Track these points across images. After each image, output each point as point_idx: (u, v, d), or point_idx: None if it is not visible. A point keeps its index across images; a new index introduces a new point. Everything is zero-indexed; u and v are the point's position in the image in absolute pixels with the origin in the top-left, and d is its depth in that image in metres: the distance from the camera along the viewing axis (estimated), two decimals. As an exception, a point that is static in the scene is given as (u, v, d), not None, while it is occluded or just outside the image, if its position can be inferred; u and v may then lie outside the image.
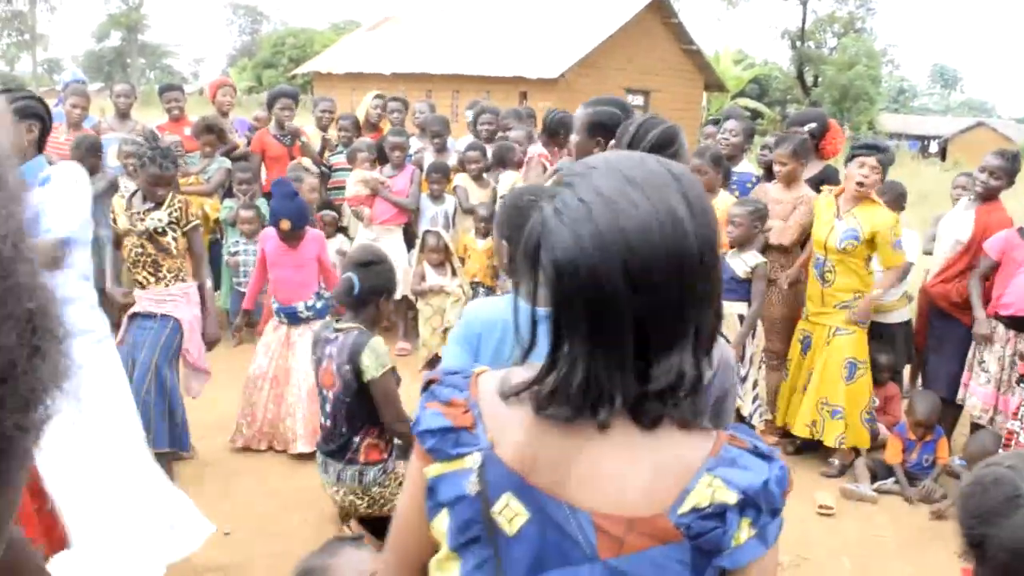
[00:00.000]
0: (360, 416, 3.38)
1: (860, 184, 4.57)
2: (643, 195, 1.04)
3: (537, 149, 5.88)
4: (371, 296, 3.46)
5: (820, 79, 39.53)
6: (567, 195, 1.06)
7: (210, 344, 4.39)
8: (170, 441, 4.17)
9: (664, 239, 1.02)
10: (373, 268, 3.48)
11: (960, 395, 4.94)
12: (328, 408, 3.46)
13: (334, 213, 6.84)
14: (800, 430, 4.89)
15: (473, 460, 1.09)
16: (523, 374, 1.12)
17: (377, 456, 3.42)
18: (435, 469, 1.13)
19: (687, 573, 1.03)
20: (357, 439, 3.40)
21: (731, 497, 1.02)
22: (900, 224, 4.66)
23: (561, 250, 1.03)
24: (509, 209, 2.30)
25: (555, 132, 5.85)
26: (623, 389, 1.03)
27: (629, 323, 1.02)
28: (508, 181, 6.31)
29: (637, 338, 1.03)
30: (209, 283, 4.45)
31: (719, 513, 1.02)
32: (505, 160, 6.57)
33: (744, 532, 1.03)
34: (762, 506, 1.03)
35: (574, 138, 3.35)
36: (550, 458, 1.07)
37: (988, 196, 4.96)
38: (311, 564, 1.95)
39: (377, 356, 3.32)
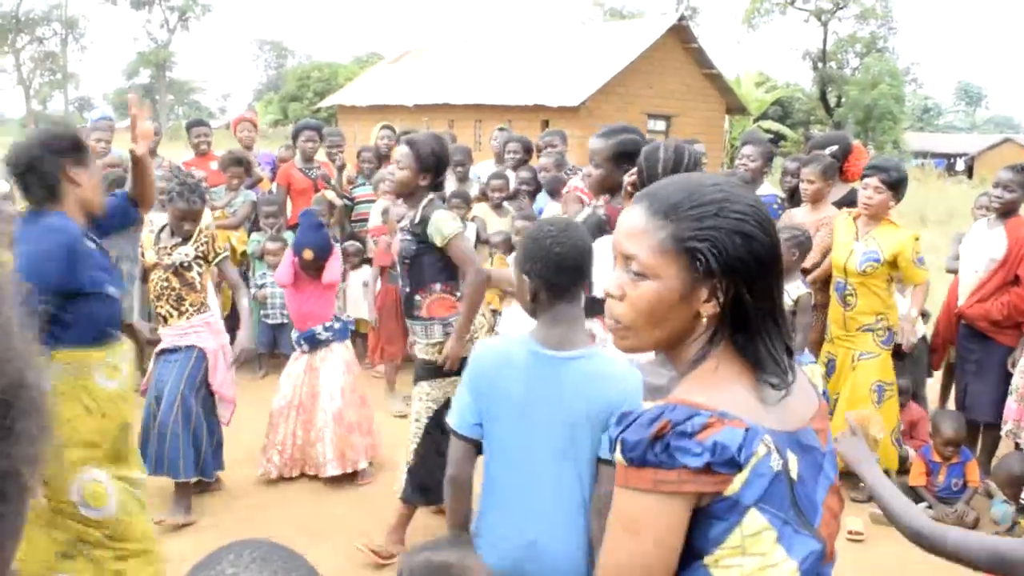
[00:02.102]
0: (418, 276, 3.86)
1: (866, 206, 4.59)
2: (759, 201, 1.36)
3: (576, 182, 5.85)
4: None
5: (843, 99, 39.38)
6: (735, 207, 1.30)
7: (242, 354, 4.39)
8: (197, 470, 4.25)
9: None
10: None
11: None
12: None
13: (359, 244, 6.91)
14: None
15: (765, 444, 1.25)
16: (719, 373, 1.32)
17: (443, 311, 3.85)
18: (739, 480, 1.23)
19: None
20: (419, 297, 3.86)
21: (820, 370, 1.50)
22: (919, 241, 4.62)
23: (762, 246, 1.30)
24: (528, 243, 2.26)
25: None
26: (790, 339, 1.37)
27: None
28: (551, 212, 6.28)
29: None
30: (246, 301, 4.51)
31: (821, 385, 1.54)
32: (554, 191, 6.51)
33: None
34: None
35: (595, 170, 3.35)
36: (780, 408, 1.32)
37: (1007, 211, 4.92)
38: (443, 559, 1.83)
39: (446, 222, 3.75)
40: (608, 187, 3.35)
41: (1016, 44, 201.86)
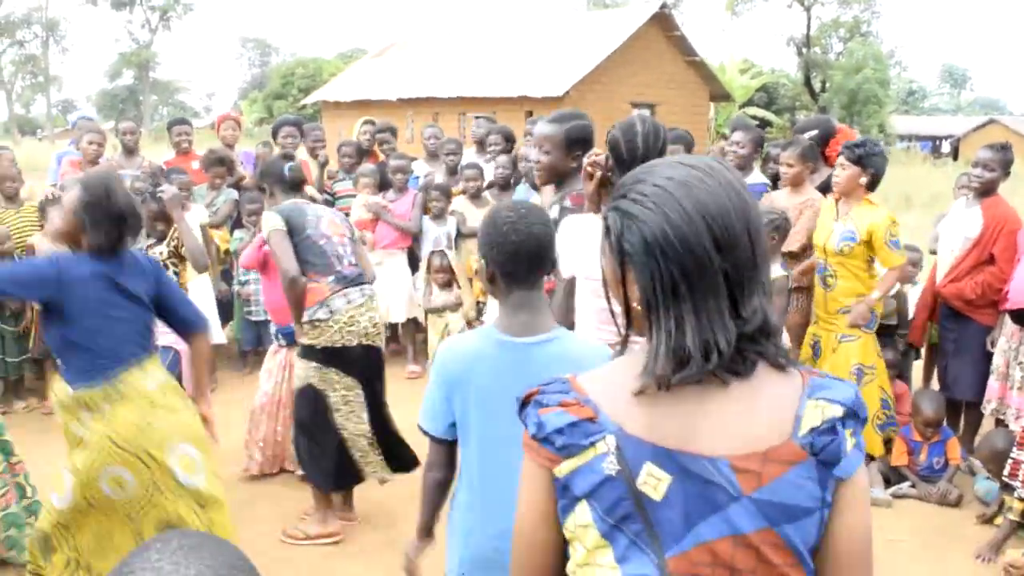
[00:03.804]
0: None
1: (836, 183, 4.63)
2: (705, 174, 1.23)
3: None
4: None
5: (828, 84, 39.43)
6: (640, 187, 1.24)
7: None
8: None
9: (733, 205, 1.21)
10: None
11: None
12: None
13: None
14: None
15: (606, 444, 1.21)
16: (628, 364, 1.27)
17: (311, 301, 3.95)
18: (567, 466, 1.23)
19: (816, 487, 1.20)
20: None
21: (837, 411, 1.21)
22: (897, 224, 4.61)
23: (651, 228, 1.20)
24: (486, 227, 2.22)
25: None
26: (726, 334, 1.19)
27: (720, 279, 1.20)
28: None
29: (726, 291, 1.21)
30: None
31: (831, 428, 1.20)
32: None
33: (849, 442, 1.21)
34: (859, 414, 1.23)
35: (544, 157, 3.20)
36: (677, 422, 1.21)
37: (986, 190, 4.93)
38: None
39: (266, 220, 4.00)
40: (559, 175, 3.22)
41: (999, 25, 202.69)
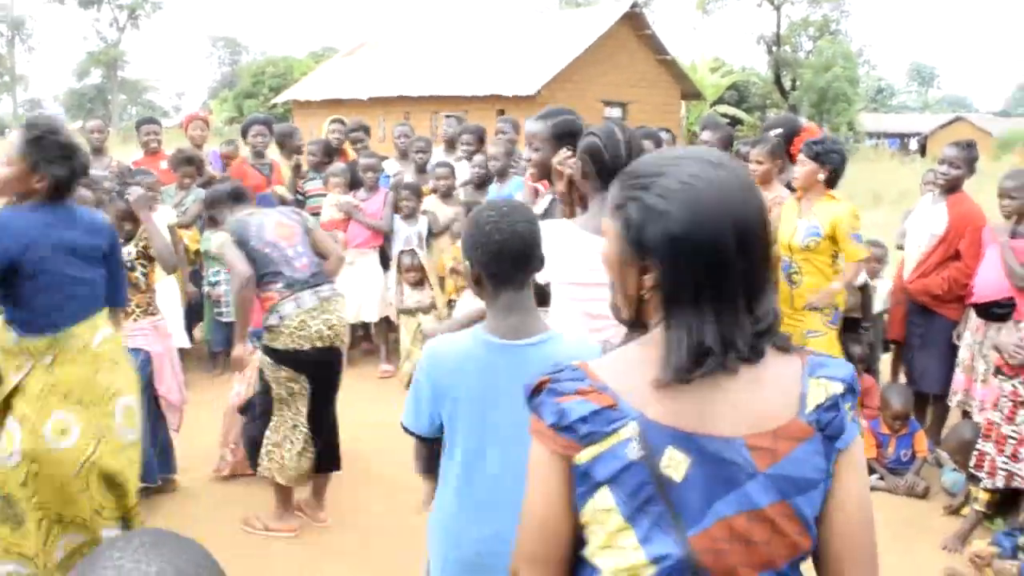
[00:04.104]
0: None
1: (795, 179, 4.70)
2: (726, 172, 1.26)
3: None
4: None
5: (798, 83, 39.75)
6: (664, 182, 1.25)
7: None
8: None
9: (750, 204, 1.26)
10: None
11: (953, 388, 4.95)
12: None
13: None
14: None
15: (630, 430, 1.23)
16: (641, 352, 1.30)
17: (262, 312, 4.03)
18: (589, 453, 1.24)
19: (822, 460, 1.27)
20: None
21: (839, 387, 1.30)
22: (859, 218, 4.66)
23: (678, 225, 1.22)
24: (469, 227, 2.17)
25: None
26: (743, 334, 1.24)
27: (740, 278, 1.24)
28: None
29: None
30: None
31: (834, 404, 1.28)
32: (506, 172, 6.36)
33: (848, 415, 1.30)
34: (855, 389, 1.32)
35: (533, 153, 3.27)
36: (693, 407, 1.24)
37: (951, 187, 5.00)
38: None
39: (214, 240, 4.18)
40: (551, 170, 3.33)
41: (966, 24, 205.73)
